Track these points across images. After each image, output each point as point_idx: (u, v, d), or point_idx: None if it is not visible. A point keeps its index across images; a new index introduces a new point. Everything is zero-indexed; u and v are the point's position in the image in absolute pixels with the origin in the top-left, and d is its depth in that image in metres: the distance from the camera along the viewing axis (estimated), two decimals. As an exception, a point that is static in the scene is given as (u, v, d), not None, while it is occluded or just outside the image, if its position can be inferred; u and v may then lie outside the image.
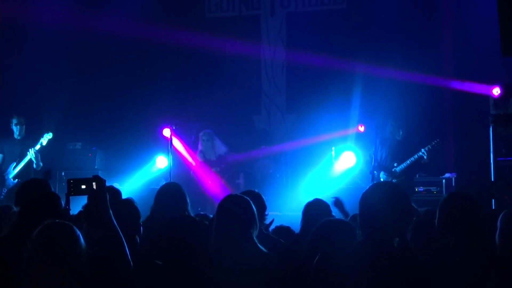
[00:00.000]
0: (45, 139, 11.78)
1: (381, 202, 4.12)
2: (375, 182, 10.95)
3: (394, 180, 11.06)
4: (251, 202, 5.18)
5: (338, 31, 14.66)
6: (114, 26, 14.27)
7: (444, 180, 12.45)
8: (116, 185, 12.74)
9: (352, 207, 10.42)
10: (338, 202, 7.52)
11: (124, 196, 10.41)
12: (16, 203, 4.96)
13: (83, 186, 4.33)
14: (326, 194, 12.31)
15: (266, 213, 6.35)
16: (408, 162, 11.06)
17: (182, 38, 14.52)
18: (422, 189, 12.28)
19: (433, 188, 12.38)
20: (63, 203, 4.58)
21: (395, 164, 11.19)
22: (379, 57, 13.77)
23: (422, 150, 10.95)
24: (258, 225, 5.18)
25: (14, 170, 11.76)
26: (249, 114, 15.54)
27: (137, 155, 14.10)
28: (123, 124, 14.77)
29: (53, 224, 3.67)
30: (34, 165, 11.74)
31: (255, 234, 5.09)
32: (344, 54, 14.09)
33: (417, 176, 12.30)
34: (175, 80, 15.04)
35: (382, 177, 11.31)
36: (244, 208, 5.12)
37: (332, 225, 4.82)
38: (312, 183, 13.66)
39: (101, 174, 13.53)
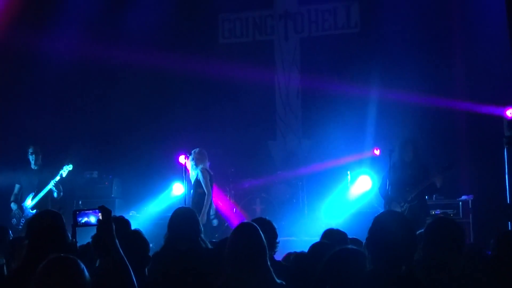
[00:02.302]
0: (65, 170, 11.86)
1: (391, 231, 4.18)
2: (386, 208, 10.94)
3: (406, 205, 10.96)
4: (259, 230, 5.14)
5: (351, 55, 14.72)
6: (128, 55, 14.37)
7: (460, 203, 12.35)
8: (133, 213, 13.29)
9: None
10: None
11: (141, 225, 10.72)
12: (26, 235, 4.95)
13: (89, 217, 4.29)
14: (342, 219, 12.49)
15: (278, 240, 6.25)
16: (419, 187, 10.95)
17: (196, 65, 14.58)
18: (438, 212, 12.17)
19: (450, 211, 12.28)
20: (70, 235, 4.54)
21: (407, 189, 11.08)
22: (393, 80, 13.78)
23: (434, 175, 10.84)
24: (268, 253, 5.13)
25: (33, 200, 11.81)
26: (264, 139, 15.48)
27: (153, 182, 14.12)
28: (139, 152, 14.80)
29: (57, 259, 3.65)
30: (55, 194, 11.82)
31: (268, 262, 5.06)
32: (358, 78, 14.13)
33: (433, 198, 12.24)
34: (190, 107, 15.13)
35: (394, 204, 11.16)
36: (257, 236, 5.09)
37: (345, 254, 4.73)
38: (328, 207, 13.65)
39: (118, 202, 13.90)
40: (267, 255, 5.07)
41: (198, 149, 11.77)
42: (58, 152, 13.31)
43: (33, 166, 12.04)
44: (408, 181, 11.06)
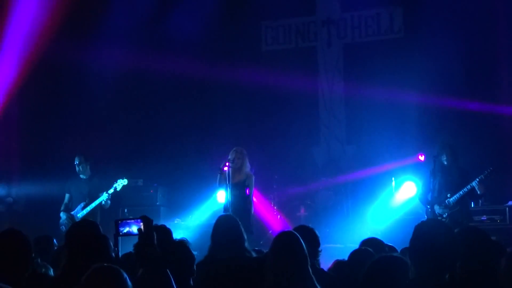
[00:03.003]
0: (119, 184, 11.90)
1: (433, 240, 4.17)
2: (429, 215, 10.86)
3: (448, 212, 10.87)
4: (300, 238, 5.14)
5: (395, 60, 14.59)
6: (172, 65, 14.52)
7: (507, 208, 12.13)
8: (178, 220, 13.28)
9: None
10: None
11: (186, 233, 10.95)
12: (65, 245, 5.00)
13: (131, 227, 4.29)
14: (386, 225, 12.58)
15: (320, 248, 6.24)
16: (461, 193, 10.83)
17: (240, 73, 14.61)
18: (485, 218, 12.03)
19: (496, 217, 12.10)
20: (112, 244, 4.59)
21: (448, 195, 10.98)
22: (437, 85, 13.71)
23: (475, 181, 10.71)
24: (310, 261, 5.13)
25: (84, 210, 11.88)
26: (308, 146, 15.41)
27: (198, 190, 14.03)
28: (184, 160, 14.88)
29: (101, 269, 3.69)
30: (103, 202, 11.84)
31: (310, 270, 5.05)
32: (402, 83, 13.99)
33: (479, 204, 12.10)
34: (234, 115, 15.18)
35: (436, 209, 11.10)
36: (298, 245, 5.10)
37: (386, 261, 4.71)
38: (373, 214, 13.62)
39: (163, 210, 14.00)
40: (309, 263, 5.07)
41: (240, 147, 11.57)
42: (107, 161, 13.55)
43: (82, 176, 12.14)
44: (448, 186, 11.00)
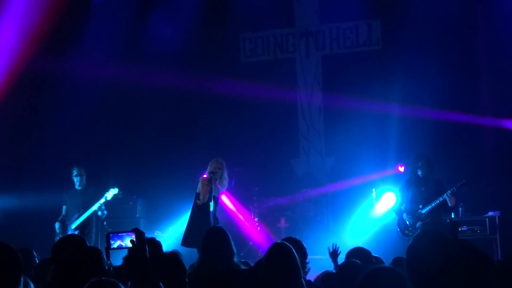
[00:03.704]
0: (110, 193, 11.83)
1: (430, 255, 4.13)
2: (400, 225, 10.95)
3: (420, 223, 10.92)
4: (293, 250, 5.15)
5: (374, 72, 14.64)
6: (153, 76, 14.54)
7: (487, 219, 12.21)
8: (158, 233, 13.20)
9: (394, 248, 10.73)
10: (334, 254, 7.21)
11: (167, 246, 10.55)
12: (52, 260, 4.92)
13: (124, 239, 4.23)
14: (367, 237, 12.62)
15: (307, 260, 6.23)
16: (432, 204, 10.82)
17: (219, 85, 14.67)
18: (465, 228, 12.11)
19: (476, 227, 12.18)
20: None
21: (420, 206, 11.01)
22: (415, 96, 13.77)
23: (446, 193, 10.70)
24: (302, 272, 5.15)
25: (77, 221, 11.81)
26: (288, 157, 15.35)
27: (178, 202, 13.74)
28: (163, 172, 14.71)
29: (99, 283, 3.67)
30: (99, 213, 11.87)
31: (304, 282, 5.09)
32: (381, 95, 14.07)
33: (459, 215, 12.17)
34: (212, 127, 15.12)
35: (407, 219, 11.14)
36: (293, 257, 5.11)
37: (381, 274, 4.50)
38: (353, 225, 13.63)
39: (142, 222, 13.86)
40: (302, 275, 5.11)
41: (220, 158, 11.14)
42: (96, 172, 13.36)
43: (77, 187, 12.12)
44: (422, 197, 11.02)
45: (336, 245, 7.14)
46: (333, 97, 14.74)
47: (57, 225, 11.92)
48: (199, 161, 12.99)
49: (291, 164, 15.37)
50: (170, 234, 13.65)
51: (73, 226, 11.80)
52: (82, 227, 11.76)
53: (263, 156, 14.84)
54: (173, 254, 5.08)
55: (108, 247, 4.31)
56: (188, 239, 10.51)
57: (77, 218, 11.83)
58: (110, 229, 10.88)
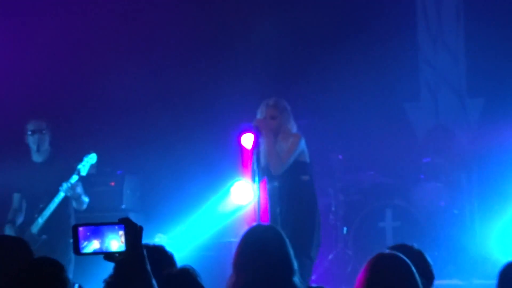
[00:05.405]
0: (85, 165, 8.35)
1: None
2: None
3: None
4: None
5: None
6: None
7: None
8: (160, 236, 9.63)
9: None
10: None
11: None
12: None
13: (103, 238, 2.67)
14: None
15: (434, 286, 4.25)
16: None
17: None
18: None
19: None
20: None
21: None
22: None
23: None
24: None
25: (40, 218, 8.43)
26: (399, 100, 10.98)
27: (194, 183, 9.71)
28: (170, 129, 10.28)
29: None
30: (74, 204, 8.43)
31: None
32: None
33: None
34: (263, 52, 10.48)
35: None
36: (410, 277, 3.75)
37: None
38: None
39: (132, 217, 9.03)
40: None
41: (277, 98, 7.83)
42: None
43: (35, 159, 8.77)
44: None
45: None
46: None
47: (7, 230, 8.56)
48: (232, 108, 9.72)
49: (404, 111, 11.10)
50: (180, 239, 9.51)
51: (36, 228, 8.44)
52: (51, 229, 8.35)
53: (353, 99, 10.41)
54: (185, 272, 3.83)
55: (76, 252, 2.76)
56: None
57: (39, 215, 8.38)
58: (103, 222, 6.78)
